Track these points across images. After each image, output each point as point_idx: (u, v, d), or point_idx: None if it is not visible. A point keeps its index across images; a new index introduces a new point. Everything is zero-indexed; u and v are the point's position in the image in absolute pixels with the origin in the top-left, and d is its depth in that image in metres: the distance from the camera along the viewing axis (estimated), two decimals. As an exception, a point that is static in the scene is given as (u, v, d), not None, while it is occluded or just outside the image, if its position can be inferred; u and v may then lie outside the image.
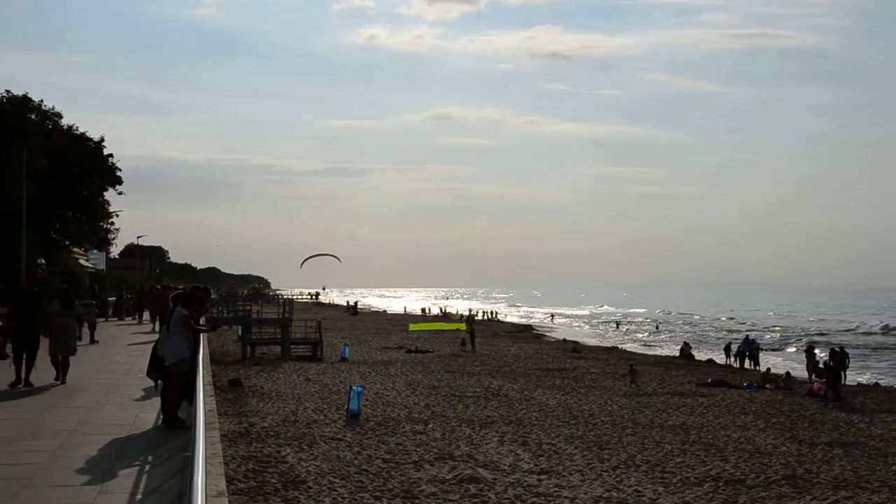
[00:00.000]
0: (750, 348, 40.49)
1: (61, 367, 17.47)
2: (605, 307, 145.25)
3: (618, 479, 13.67)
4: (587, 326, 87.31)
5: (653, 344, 61.32)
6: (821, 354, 37.06)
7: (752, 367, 38.49)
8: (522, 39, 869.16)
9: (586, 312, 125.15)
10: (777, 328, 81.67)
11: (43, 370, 17.27)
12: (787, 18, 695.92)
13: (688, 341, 51.39)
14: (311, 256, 65.26)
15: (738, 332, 70.03)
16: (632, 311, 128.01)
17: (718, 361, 41.44)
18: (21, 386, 16.60)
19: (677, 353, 45.71)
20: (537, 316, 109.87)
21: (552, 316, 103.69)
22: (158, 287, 36.86)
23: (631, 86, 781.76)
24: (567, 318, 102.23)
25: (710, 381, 29.34)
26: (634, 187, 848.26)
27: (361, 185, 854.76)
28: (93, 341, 27.09)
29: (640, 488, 13.03)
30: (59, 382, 17.10)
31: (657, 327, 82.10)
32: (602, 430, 18.33)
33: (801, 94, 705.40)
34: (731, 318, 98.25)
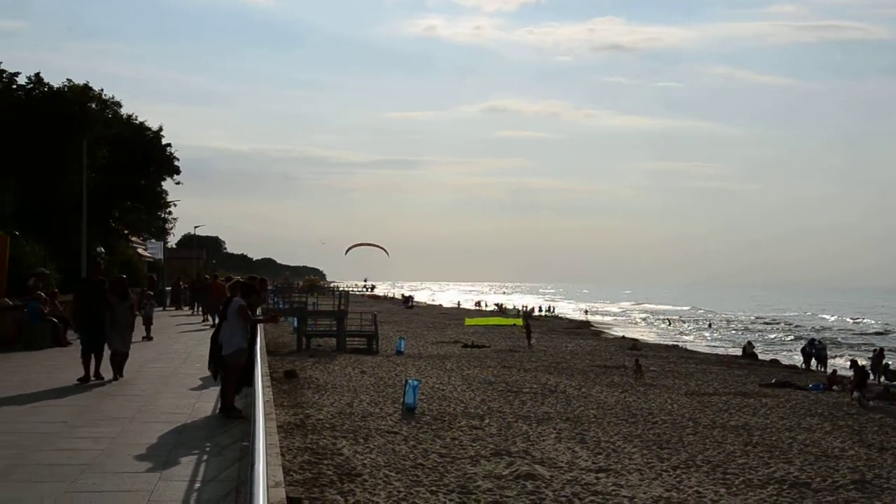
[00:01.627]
0: (816, 349, 39.52)
1: (116, 362, 16.28)
2: (646, 304, 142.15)
3: (678, 479, 13.37)
4: (643, 323, 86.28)
5: (714, 342, 60.32)
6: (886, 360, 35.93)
7: (819, 368, 37.57)
8: (582, 31, 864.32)
9: (616, 309, 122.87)
10: (838, 329, 79.82)
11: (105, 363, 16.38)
12: (855, 10, 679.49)
13: (751, 341, 50.42)
14: (358, 245, 62.38)
15: (800, 332, 68.61)
16: (677, 308, 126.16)
17: (783, 362, 40.58)
18: (93, 380, 15.72)
19: (739, 353, 44.85)
20: (575, 313, 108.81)
21: (586, 312, 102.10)
22: (207, 277, 36.96)
23: (692, 79, 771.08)
24: (599, 316, 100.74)
25: (773, 381, 28.71)
26: (694, 183, 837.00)
27: (416, 177, 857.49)
28: (147, 337, 24.72)
29: (700, 489, 12.73)
30: (112, 379, 15.96)
31: (710, 325, 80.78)
32: (661, 428, 17.99)
33: (867, 88, 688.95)
34: (788, 322, 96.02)
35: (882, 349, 38.76)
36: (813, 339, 44.02)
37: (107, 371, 16.12)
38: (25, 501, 7.44)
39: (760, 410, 21.53)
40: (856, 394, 24.70)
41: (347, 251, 59.54)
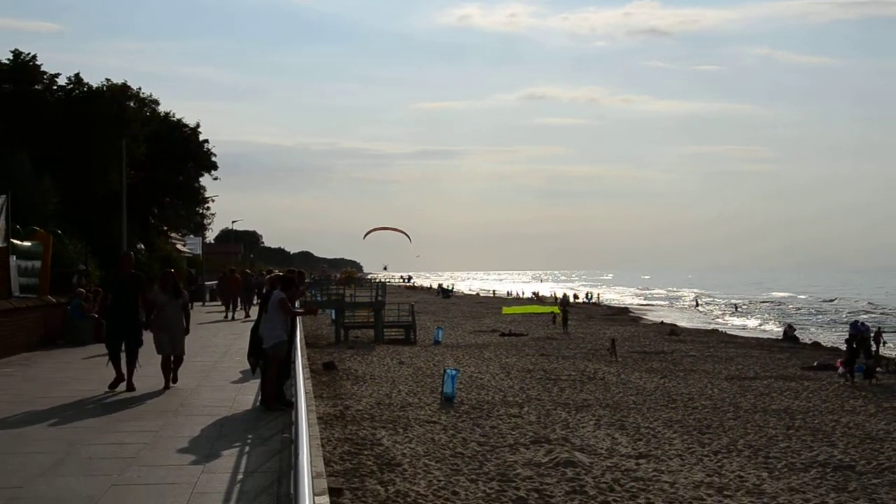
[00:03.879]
0: (859, 331, 38.94)
1: (173, 366, 14.30)
2: (661, 290, 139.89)
3: (719, 463, 13.30)
4: (675, 311, 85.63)
5: (758, 326, 59.69)
6: None
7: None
8: (618, 16, 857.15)
9: (647, 294, 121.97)
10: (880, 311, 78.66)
11: (148, 374, 14.33)
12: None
13: (792, 323, 49.80)
14: (377, 229, 57.40)
15: (840, 315, 67.69)
16: (712, 291, 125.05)
17: (824, 344, 40.06)
18: (123, 388, 13.80)
19: (780, 336, 44.37)
20: (622, 297, 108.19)
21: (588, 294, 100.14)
22: (227, 271, 37.00)
23: (731, 61, 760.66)
24: (641, 299, 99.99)
25: (815, 364, 28.37)
26: (732, 166, 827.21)
27: (453, 167, 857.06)
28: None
29: (742, 473, 12.65)
30: (167, 387, 14.03)
31: (736, 308, 79.92)
32: (702, 413, 17.89)
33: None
34: (831, 300, 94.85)
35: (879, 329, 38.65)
36: (856, 322, 43.38)
37: (153, 382, 14.13)
38: (75, 494, 7.59)
39: (802, 394, 21.32)
40: (841, 370, 24.51)
41: (366, 235, 56.31)
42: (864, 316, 58.08)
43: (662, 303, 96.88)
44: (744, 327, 57.32)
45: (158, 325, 14.28)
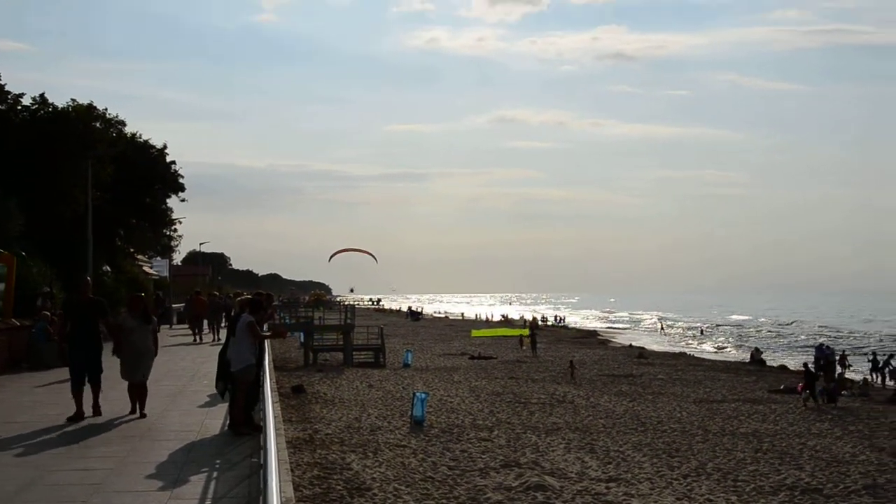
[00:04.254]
0: (824, 355, 39.38)
1: (138, 395, 13.71)
2: (654, 312, 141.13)
3: (689, 487, 13.35)
4: (648, 331, 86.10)
5: (724, 349, 60.12)
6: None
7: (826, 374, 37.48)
8: (586, 40, 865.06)
9: (625, 317, 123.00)
10: (849, 334, 79.63)
11: (113, 398, 14.16)
12: (864, 14, 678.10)
13: (758, 347, 50.27)
14: (342, 251, 55.88)
15: (806, 338, 68.42)
16: (678, 316, 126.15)
17: (791, 368, 40.44)
18: (87, 417, 13.20)
19: (747, 360, 44.75)
20: (586, 321, 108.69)
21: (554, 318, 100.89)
22: (193, 293, 36.76)
23: (699, 86, 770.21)
24: (611, 324, 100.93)
25: (782, 387, 28.62)
26: (702, 190, 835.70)
27: (423, 189, 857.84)
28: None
29: (711, 497, 12.71)
30: (136, 415, 13.51)
31: (702, 332, 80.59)
32: (671, 437, 17.97)
33: (874, 91, 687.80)
34: (789, 324, 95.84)
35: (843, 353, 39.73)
36: (821, 345, 43.86)
37: (118, 408, 13.74)
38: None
39: (770, 417, 21.49)
40: (804, 394, 24.78)
41: (332, 257, 55.15)
42: (822, 339, 58.87)
43: (626, 326, 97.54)
44: (713, 351, 57.78)
45: (126, 350, 13.60)
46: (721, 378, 32.13)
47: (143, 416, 13.46)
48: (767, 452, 16.42)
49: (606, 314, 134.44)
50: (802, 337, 72.50)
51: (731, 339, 71.75)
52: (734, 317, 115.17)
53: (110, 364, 13.93)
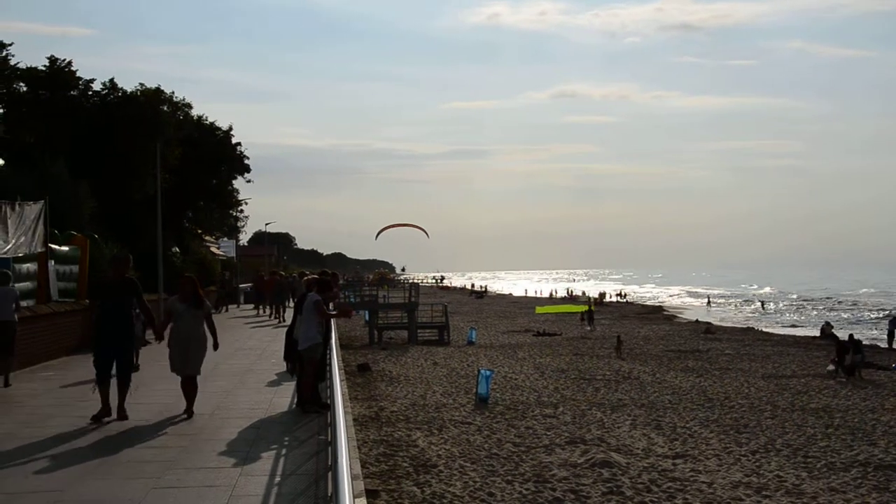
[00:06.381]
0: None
1: (185, 391, 11.98)
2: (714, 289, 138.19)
3: (757, 463, 13.18)
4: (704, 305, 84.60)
5: (798, 324, 58.98)
6: None
7: None
8: (650, 11, 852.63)
9: (688, 291, 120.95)
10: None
11: (144, 393, 12.81)
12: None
13: (829, 321, 49.19)
14: (390, 226, 51.87)
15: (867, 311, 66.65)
16: (740, 289, 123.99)
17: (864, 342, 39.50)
18: (111, 417, 11.35)
19: (817, 334, 43.83)
20: (649, 296, 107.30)
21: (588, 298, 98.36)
22: (258, 274, 38.08)
23: (765, 55, 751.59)
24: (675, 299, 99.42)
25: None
26: (769, 161, 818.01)
27: (484, 166, 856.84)
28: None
29: (781, 473, 12.52)
30: (185, 416, 11.71)
31: (763, 306, 78.97)
32: (739, 413, 17.74)
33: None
34: (854, 301, 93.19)
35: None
36: (895, 317, 42.83)
37: (165, 406, 12.14)
38: (116, 497, 7.68)
39: (841, 392, 21.05)
40: (830, 367, 24.51)
41: (378, 234, 52.51)
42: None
43: (681, 302, 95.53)
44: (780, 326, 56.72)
45: (173, 339, 12.03)
46: (790, 353, 31.57)
47: (190, 415, 11.72)
48: (839, 428, 16.10)
49: (672, 289, 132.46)
50: (872, 312, 70.59)
51: (795, 315, 70.34)
52: (793, 291, 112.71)
53: (152, 357, 12.47)
